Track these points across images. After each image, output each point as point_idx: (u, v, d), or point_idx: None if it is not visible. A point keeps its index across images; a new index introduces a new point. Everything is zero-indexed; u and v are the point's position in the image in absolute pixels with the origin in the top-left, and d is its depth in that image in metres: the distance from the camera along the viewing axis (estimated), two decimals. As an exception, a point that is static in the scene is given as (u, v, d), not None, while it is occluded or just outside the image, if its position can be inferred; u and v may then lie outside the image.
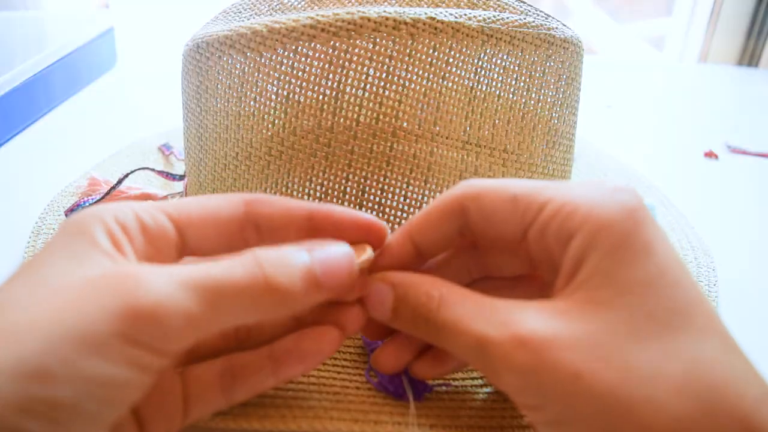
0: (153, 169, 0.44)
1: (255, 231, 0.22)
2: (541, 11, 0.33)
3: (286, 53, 0.28)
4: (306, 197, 0.30)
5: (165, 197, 0.42)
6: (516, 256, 0.24)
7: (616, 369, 0.18)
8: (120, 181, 0.41)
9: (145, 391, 0.18)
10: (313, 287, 0.20)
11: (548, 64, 0.32)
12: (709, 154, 0.57)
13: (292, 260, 0.20)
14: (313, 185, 0.29)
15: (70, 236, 0.20)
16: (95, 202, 0.41)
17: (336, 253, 0.21)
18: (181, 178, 0.44)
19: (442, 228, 0.23)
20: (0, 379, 0.15)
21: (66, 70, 0.63)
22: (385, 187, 0.29)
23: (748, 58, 0.86)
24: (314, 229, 0.23)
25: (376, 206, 0.29)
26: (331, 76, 0.28)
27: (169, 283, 0.18)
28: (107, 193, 0.41)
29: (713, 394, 0.18)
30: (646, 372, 0.18)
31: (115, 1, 0.96)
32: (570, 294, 0.20)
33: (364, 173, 0.29)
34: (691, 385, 0.18)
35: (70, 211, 0.40)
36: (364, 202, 0.29)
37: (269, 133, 0.30)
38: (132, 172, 0.43)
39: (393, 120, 0.29)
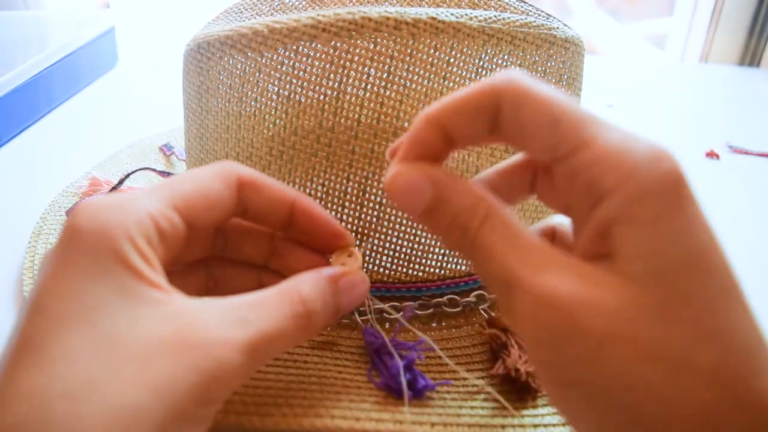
0: (154, 170, 0.44)
1: (243, 213, 0.25)
2: (542, 11, 0.33)
3: (287, 53, 0.28)
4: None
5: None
6: (550, 177, 0.22)
7: (643, 348, 0.17)
8: (121, 182, 0.42)
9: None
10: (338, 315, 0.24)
11: (549, 64, 0.31)
12: (711, 154, 0.57)
13: (330, 304, 0.23)
14: (314, 185, 0.29)
15: (104, 259, 0.20)
16: None
17: (359, 283, 0.25)
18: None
19: (473, 122, 0.21)
20: None
21: (67, 70, 0.63)
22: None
23: (750, 58, 0.85)
24: (293, 222, 0.25)
25: (376, 206, 0.29)
26: (332, 76, 0.28)
27: (232, 350, 0.20)
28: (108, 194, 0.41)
29: (742, 385, 0.17)
30: (675, 356, 0.17)
31: (116, 1, 0.97)
32: (603, 260, 0.19)
33: (365, 173, 0.29)
34: (720, 376, 0.17)
35: (71, 211, 0.40)
36: (365, 202, 0.29)
37: (270, 133, 0.30)
38: (133, 172, 0.43)
39: (394, 120, 0.28)
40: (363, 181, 0.29)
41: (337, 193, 0.29)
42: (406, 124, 0.29)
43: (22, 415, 0.17)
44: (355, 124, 0.28)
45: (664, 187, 0.18)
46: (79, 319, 0.19)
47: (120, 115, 0.61)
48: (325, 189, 0.29)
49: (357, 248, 0.26)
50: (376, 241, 0.30)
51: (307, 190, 0.30)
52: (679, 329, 0.18)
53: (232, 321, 0.20)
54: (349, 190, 0.29)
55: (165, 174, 0.45)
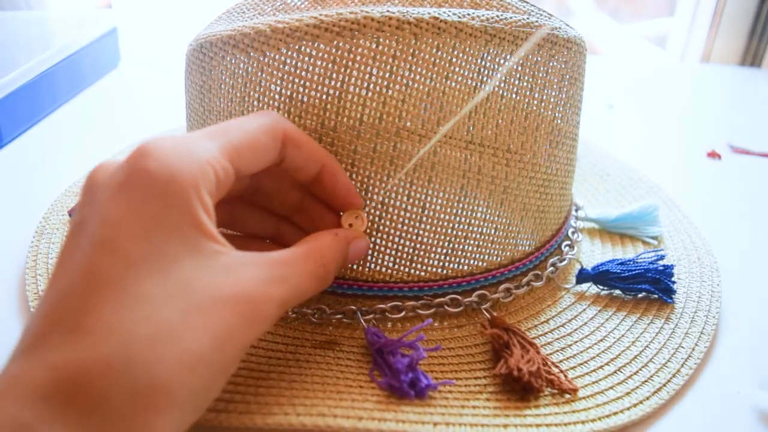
0: None
1: (279, 163, 0.27)
2: (544, 11, 0.33)
3: (289, 53, 0.28)
4: None
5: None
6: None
7: None
8: None
9: None
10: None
11: (551, 64, 0.32)
12: (712, 154, 0.57)
13: (341, 262, 0.27)
14: None
15: (174, 208, 0.21)
16: None
17: (363, 247, 0.29)
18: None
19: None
20: None
21: (69, 69, 0.63)
22: (389, 187, 0.29)
23: (751, 58, 0.85)
24: (318, 179, 0.28)
25: (379, 206, 0.30)
26: (334, 75, 0.28)
27: (273, 305, 0.22)
28: None
29: None
30: None
31: (118, 1, 0.97)
32: None
33: (367, 173, 0.29)
34: None
35: (74, 210, 0.40)
36: (368, 201, 0.29)
37: None
38: None
39: (396, 120, 0.29)
40: (365, 180, 0.29)
41: None
42: (408, 123, 0.29)
43: (106, 351, 0.18)
44: (358, 123, 0.29)
45: None
46: (155, 265, 0.20)
47: (122, 114, 0.61)
48: None
49: (363, 212, 0.29)
50: (378, 241, 0.30)
51: None
52: None
53: (274, 278, 0.23)
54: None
55: None
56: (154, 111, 0.61)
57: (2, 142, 0.53)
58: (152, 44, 0.86)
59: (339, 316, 0.31)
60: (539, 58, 0.31)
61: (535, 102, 0.31)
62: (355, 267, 0.31)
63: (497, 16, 0.29)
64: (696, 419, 0.28)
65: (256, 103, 0.30)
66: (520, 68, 0.30)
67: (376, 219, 0.30)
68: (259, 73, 0.29)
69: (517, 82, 0.30)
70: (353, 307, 0.31)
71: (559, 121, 0.33)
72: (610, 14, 1.24)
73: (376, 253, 0.30)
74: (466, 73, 0.29)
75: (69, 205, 0.42)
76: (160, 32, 0.99)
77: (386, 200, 0.29)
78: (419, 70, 0.28)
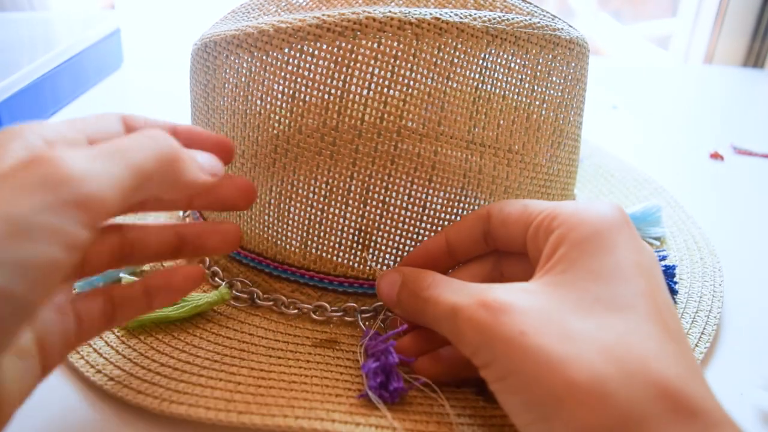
0: None
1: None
2: (547, 12, 0.33)
3: (292, 52, 0.29)
4: (311, 194, 0.30)
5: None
6: (524, 262, 0.27)
7: (555, 333, 0.21)
8: None
9: (70, 270, 0.18)
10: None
11: (553, 64, 0.32)
12: (715, 156, 0.56)
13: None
14: (318, 183, 0.30)
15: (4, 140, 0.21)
16: None
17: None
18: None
19: (472, 230, 0.28)
20: None
21: (72, 70, 0.63)
22: (390, 186, 0.29)
23: (754, 59, 0.85)
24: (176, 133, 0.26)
25: (380, 204, 0.30)
26: (336, 75, 0.28)
27: (86, 157, 0.18)
28: None
29: (635, 362, 0.20)
30: (580, 337, 0.21)
31: (121, 2, 0.97)
32: (539, 277, 0.24)
33: (368, 172, 0.29)
34: (616, 352, 0.20)
35: None
36: (368, 200, 0.30)
37: (275, 132, 0.30)
38: None
39: (397, 119, 0.29)
40: (366, 179, 0.29)
41: (340, 191, 0.29)
42: (409, 123, 0.29)
43: None
44: (359, 123, 0.29)
45: (595, 219, 0.24)
46: None
47: (125, 115, 0.62)
48: (328, 187, 0.30)
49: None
50: (379, 240, 0.30)
51: (311, 188, 0.30)
52: (587, 320, 0.21)
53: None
54: (353, 188, 0.29)
55: None
56: (157, 112, 0.61)
57: (5, 143, 0.53)
58: (155, 45, 0.86)
59: (340, 313, 0.31)
60: (541, 59, 0.31)
61: (537, 102, 0.31)
62: (356, 266, 0.31)
63: (499, 17, 0.29)
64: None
65: (259, 102, 0.30)
66: (522, 69, 0.30)
67: (377, 218, 0.30)
68: (263, 72, 0.29)
69: (519, 83, 0.30)
70: (354, 305, 0.31)
71: (561, 122, 0.33)
72: (613, 15, 1.24)
73: (377, 252, 0.30)
74: (467, 74, 0.29)
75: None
76: (163, 33, 1.00)
77: (387, 199, 0.30)
78: (421, 70, 0.28)
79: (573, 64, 0.33)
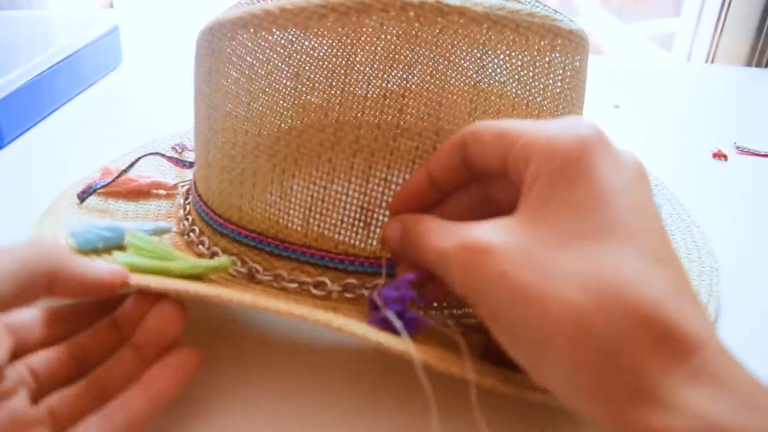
0: (163, 155, 0.45)
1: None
2: (549, 7, 0.33)
3: (296, 31, 0.29)
4: (314, 171, 0.30)
5: (175, 186, 0.43)
6: (508, 185, 0.26)
7: (535, 270, 0.21)
8: (132, 165, 0.42)
9: None
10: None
11: (553, 54, 0.31)
12: (718, 155, 0.56)
13: None
14: (321, 160, 0.30)
15: None
16: (106, 185, 0.41)
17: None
18: (191, 165, 0.44)
19: (450, 159, 0.27)
20: None
21: (71, 69, 0.63)
22: (391, 164, 0.30)
23: (757, 58, 0.85)
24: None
25: (382, 182, 0.30)
26: (339, 53, 0.29)
27: None
28: (117, 177, 0.41)
29: (612, 292, 0.20)
30: (560, 273, 0.21)
31: (120, 0, 0.96)
32: (519, 212, 0.23)
33: (371, 148, 0.29)
34: (593, 284, 0.20)
35: (83, 193, 0.40)
36: (371, 177, 0.30)
37: (280, 110, 0.30)
38: (142, 157, 0.44)
39: (400, 98, 0.29)
40: (369, 156, 0.29)
41: (343, 167, 0.30)
42: (411, 101, 0.29)
43: None
44: (362, 100, 0.29)
45: (571, 144, 0.23)
46: None
47: (124, 114, 0.61)
48: (332, 164, 0.30)
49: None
50: (380, 218, 0.30)
51: (314, 165, 0.30)
52: (566, 254, 0.21)
53: None
54: (356, 165, 0.30)
55: (174, 160, 0.45)
56: (156, 110, 0.61)
57: (3, 142, 0.53)
58: (154, 43, 0.86)
59: (340, 289, 0.31)
60: (541, 48, 0.31)
61: (535, 91, 0.31)
62: (357, 244, 0.31)
63: (501, 4, 0.30)
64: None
65: (263, 81, 0.30)
66: (521, 56, 0.30)
67: (379, 195, 0.30)
68: (268, 52, 0.30)
69: (519, 71, 0.30)
70: (354, 281, 0.31)
71: (560, 113, 0.33)
72: (615, 14, 1.24)
73: (378, 230, 0.31)
74: (468, 56, 0.29)
75: (68, 207, 0.41)
76: (162, 31, 0.99)
77: (389, 177, 0.30)
78: (422, 51, 0.29)
79: (573, 56, 0.33)
